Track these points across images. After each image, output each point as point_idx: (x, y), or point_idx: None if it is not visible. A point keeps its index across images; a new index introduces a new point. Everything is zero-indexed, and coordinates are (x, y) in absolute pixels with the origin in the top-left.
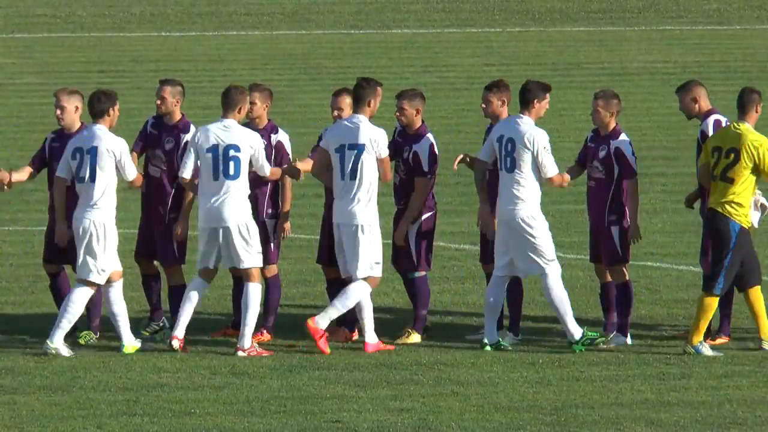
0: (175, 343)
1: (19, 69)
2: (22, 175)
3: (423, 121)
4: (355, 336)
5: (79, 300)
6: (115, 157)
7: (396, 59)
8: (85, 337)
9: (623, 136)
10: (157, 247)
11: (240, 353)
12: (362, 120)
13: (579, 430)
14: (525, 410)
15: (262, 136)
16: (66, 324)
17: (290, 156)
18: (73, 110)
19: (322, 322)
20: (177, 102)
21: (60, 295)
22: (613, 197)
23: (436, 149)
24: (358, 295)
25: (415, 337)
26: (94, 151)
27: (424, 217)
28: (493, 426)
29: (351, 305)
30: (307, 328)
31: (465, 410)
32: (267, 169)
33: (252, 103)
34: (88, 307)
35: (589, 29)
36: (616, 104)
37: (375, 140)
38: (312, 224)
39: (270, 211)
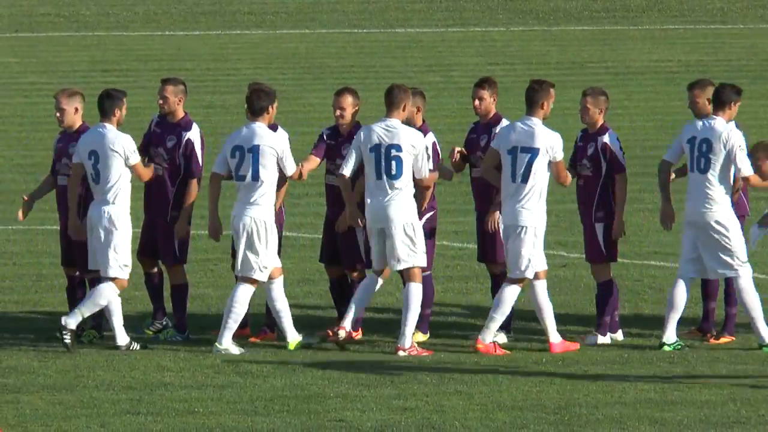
0: (342, 333)
1: (22, 68)
2: (45, 190)
3: (424, 120)
4: (358, 335)
5: (243, 298)
6: (276, 154)
7: (399, 58)
8: (88, 335)
9: (610, 133)
10: (158, 246)
11: (401, 353)
12: (537, 123)
13: (582, 429)
14: (528, 409)
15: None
16: (233, 324)
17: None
18: (73, 112)
19: (487, 337)
20: (179, 101)
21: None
22: (600, 194)
23: (438, 147)
24: (513, 297)
25: (420, 336)
26: (256, 150)
27: (426, 216)
28: (497, 425)
29: (507, 309)
30: (479, 351)
31: (468, 409)
32: (291, 170)
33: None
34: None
35: (593, 28)
36: (604, 101)
37: (551, 145)
38: (315, 223)
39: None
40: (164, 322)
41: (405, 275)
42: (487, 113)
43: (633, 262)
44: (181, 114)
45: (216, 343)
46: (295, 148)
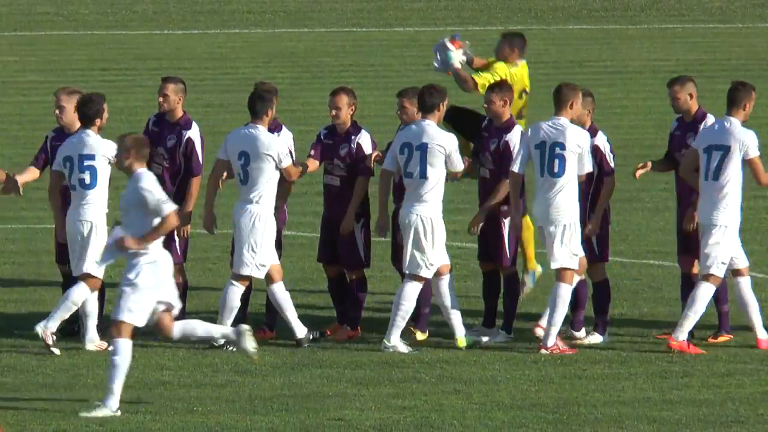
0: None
1: (21, 66)
2: (28, 176)
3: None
4: (358, 334)
5: (410, 295)
6: (444, 151)
7: (398, 57)
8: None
9: (600, 134)
10: None
11: (542, 351)
12: (734, 122)
13: (581, 429)
14: (527, 408)
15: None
16: (401, 321)
17: (294, 154)
18: (73, 110)
19: (680, 335)
20: (179, 99)
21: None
22: (592, 196)
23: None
24: (707, 295)
25: (419, 335)
26: (424, 147)
27: None
28: (495, 424)
29: (702, 308)
30: (672, 349)
31: (467, 408)
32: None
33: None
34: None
35: (591, 27)
36: (591, 102)
37: (744, 142)
38: (313, 222)
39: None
40: None
41: (556, 275)
42: (499, 117)
43: (632, 261)
44: (180, 113)
45: (384, 340)
46: (295, 146)
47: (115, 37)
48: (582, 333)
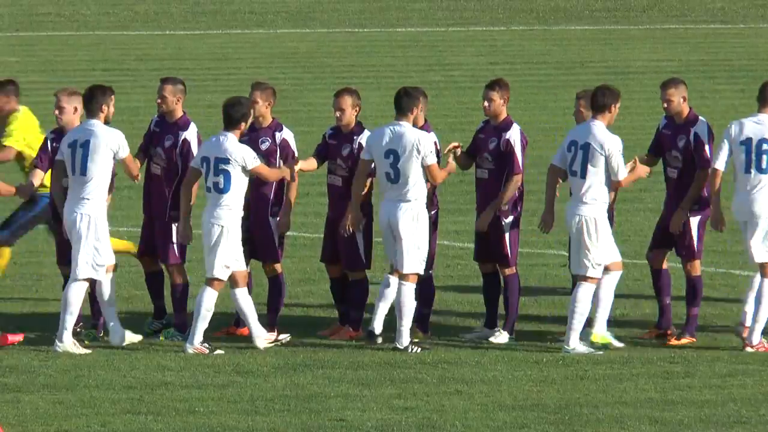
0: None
1: (23, 67)
2: (36, 180)
3: (426, 119)
4: (359, 334)
5: (584, 298)
6: (606, 153)
7: (400, 58)
8: (88, 335)
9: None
10: (157, 246)
11: (748, 349)
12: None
13: (583, 429)
14: (529, 409)
15: (266, 135)
16: (578, 324)
17: (296, 154)
18: (72, 111)
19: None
20: (178, 100)
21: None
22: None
23: (438, 145)
24: None
25: (421, 336)
26: (586, 147)
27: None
28: (497, 425)
29: None
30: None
31: (469, 409)
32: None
33: (254, 101)
34: (91, 304)
35: (594, 28)
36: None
37: None
38: (316, 223)
39: (277, 209)
40: (164, 322)
41: (760, 270)
42: (497, 116)
43: (633, 261)
44: (179, 114)
45: (564, 345)
46: (297, 147)
47: (116, 38)
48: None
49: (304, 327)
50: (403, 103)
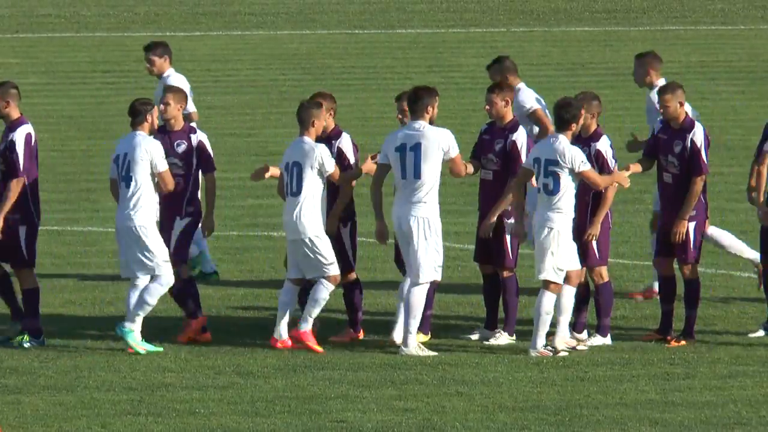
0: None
1: (23, 69)
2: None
3: (336, 125)
4: (361, 335)
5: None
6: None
7: (400, 59)
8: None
9: (604, 139)
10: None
11: None
12: None
13: (583, 430)
14: (529, 410)
15: (180, 137)
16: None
17: (352, 160)
18: (176, 108)
19: None
20: (180, 108)
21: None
22: (594, 199)
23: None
24: None
25: (421, 337)
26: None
27: None
28: (497, 426)
29: None
30: None
31: (469, 410)
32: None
33: (166, 104)
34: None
35: (594, 29)
36: (597, 106)
37: None
38: None
39: (191, 209)
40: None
41: None
42: (502, 118)
43: (633, 262)
44: (182, 120)
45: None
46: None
47: (116, 39)
48: (584, 335)
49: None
50: (417, 104)
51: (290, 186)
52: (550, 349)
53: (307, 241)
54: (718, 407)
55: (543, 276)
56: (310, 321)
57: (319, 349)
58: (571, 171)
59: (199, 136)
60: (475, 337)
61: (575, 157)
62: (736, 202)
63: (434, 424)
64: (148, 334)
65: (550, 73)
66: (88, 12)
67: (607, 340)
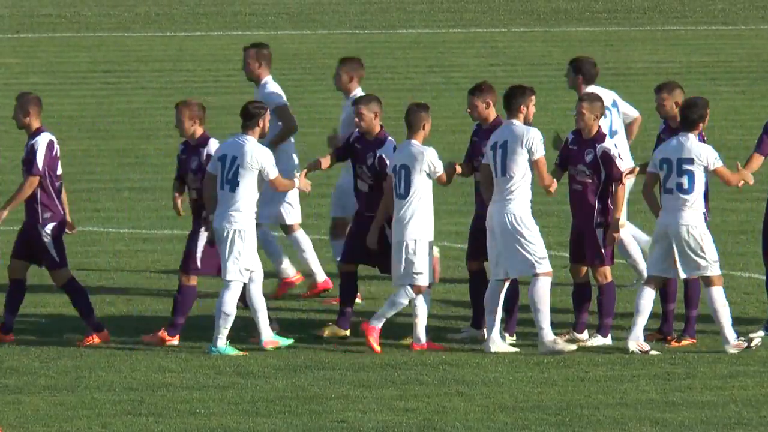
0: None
1: (24, 69)
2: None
3: (381, 126)
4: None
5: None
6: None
7: (401, 59)
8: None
9: (608, 139)
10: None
11: None
12: None
13: (584, 430)
14: (530, 410)
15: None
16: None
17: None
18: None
19: None
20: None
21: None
22: (600, 200)
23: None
24: None
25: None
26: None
27: None
28: (498, 426)
29: None
30: None
31: (470, 410)
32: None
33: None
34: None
35: (594, 29)
36: (600, 107)
37: None
38: (317, 224)
39: (47, 215)
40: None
41: None
42: (485, 119)
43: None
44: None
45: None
46: (296, 148)
47: (117, 39)
48: (585, 335)
49: (304, 327)
50: (510, 103)
51: (398, 188)
52: (744, 339)
53: (409, 243)
54: (718, 407)
55: (708, 273)
56: (382, 320)
57: (378, 349)
58: (705, 169)
59: (209, 149)
60: (461, 336)
61: (709, 156)
62: (736, 202)
63: (435, 424)
64: (148, 335)
65: (550, 73)
66: (88, 12)
67: (608, 340)
